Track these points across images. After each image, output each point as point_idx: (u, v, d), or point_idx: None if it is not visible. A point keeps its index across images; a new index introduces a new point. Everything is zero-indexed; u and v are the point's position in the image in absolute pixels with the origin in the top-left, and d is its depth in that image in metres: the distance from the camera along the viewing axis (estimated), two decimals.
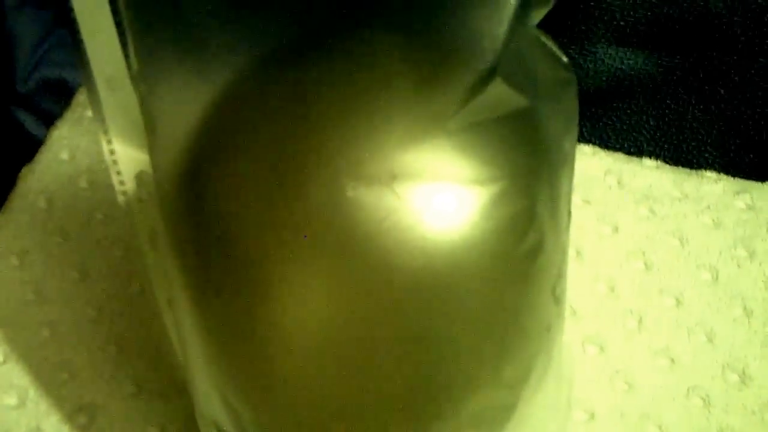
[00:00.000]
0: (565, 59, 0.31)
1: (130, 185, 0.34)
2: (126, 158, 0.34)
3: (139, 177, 0.34)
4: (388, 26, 0.28)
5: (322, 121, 0.28)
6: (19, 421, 0.40)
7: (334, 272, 0.28)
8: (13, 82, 0.56)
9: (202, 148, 0.29)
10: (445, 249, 0.28)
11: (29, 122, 0.57)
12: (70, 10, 0.31)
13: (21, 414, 0.40)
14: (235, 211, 0.28)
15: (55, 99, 0.54)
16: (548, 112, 0.30)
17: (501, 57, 0.28)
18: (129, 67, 0.31)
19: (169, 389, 0.41)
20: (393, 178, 0.27)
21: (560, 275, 0.32)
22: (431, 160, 0.27)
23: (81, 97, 0.52)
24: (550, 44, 0.31)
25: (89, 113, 0.50)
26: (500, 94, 0.28)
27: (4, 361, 0.42)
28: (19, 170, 0.48)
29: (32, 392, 0.41)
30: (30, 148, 0.49)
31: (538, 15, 0.30)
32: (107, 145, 0.33)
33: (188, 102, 0.29)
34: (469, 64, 0.28)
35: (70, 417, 0.40)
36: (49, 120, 0.51)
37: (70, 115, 0.51)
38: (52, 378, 0.41)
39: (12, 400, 0.41)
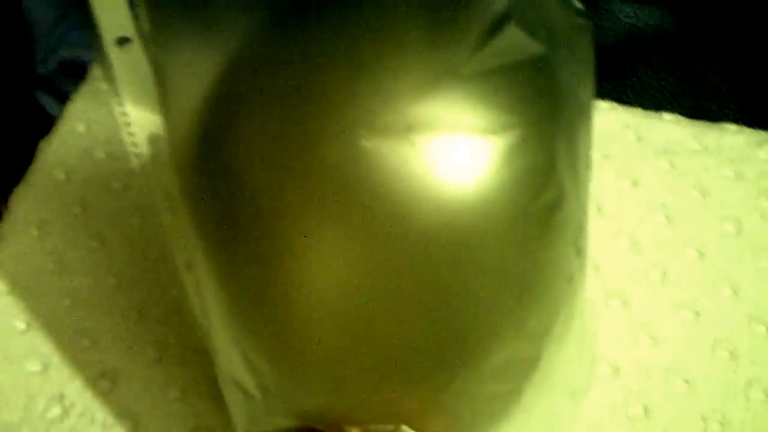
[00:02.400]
0: (579, 5, 0.31)
1: (143, 147, 0.34)
2: (138, 120, 0.34)
3: (153, 139, 0.34)
4: None
5: (333, 75, 0.28)
6: (43, 387, 0.40)
7: (351, 224, 0.28)
8: (33, 64, 0.56)
9: (216, 108, 0.29)
10: (462, 200, 0.28)
11: (49, 103, 0.58)
12: None
13: (45, 380, 0.41)
14: (250, 168, 0.28)
15: (74, 79, 0.54)
16: (563, 59, 0.30)
17: (514, 1, 0.28)
18: (139, 28, 0.31)
19: (190, 354, 0.41)
20: (408, 128, 0.27)
21: (581, 227, 0.32)
22: (446, 108, 0.27)
23: (96, 70, 0.52)
24: None
25: (105, 86, 0.50)
26: (514, 39, 0.28)
27: (27, 329, 0.42)
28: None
29: (55, 359, 0.41)
30: (50, 127, 0.49)
31: None
32: (119, 107, 0.33)
33: (200, 63, 0.29)
34: (480, 11, 0.28)
35: (92, 382, 0.41)
36: (68, 99, 0.51)
37: (86, 89, 0.51)
38: (74, 345, 0.42)
39: (35, 366, 0.41)
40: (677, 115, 0.51)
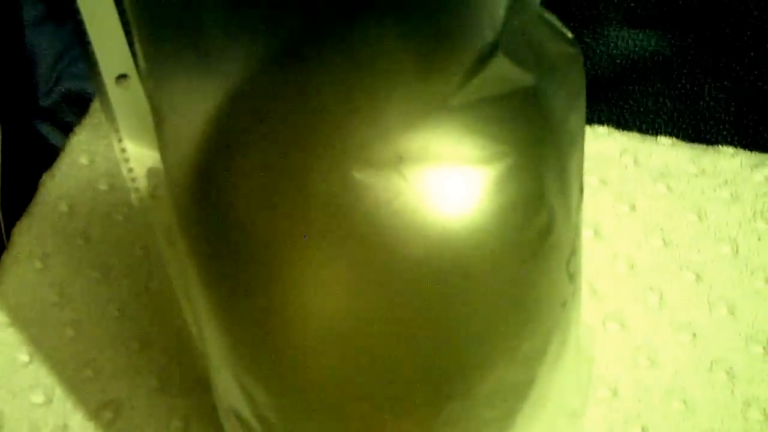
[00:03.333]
0: (569, 35, 0.31)
1: (142, 182, 0.34)
2: (137, 155, 0.34)
3: (151, 173, 0.34)
4: (386, 11, 0.28)
5: (325, 109, 0.28)
6: (46, 419, 0.41)
7: (344, 256, 0.28)
8: (36, 96, 0.57)
9: (212, 143, 0.29)
10: (454, 230, 0.28)
11: (52, 134, 0.58)
12: (77, 10, 0.31)
13: (48, 411, 0.41)
14: (245, 201, 0.29)
15: (77, 111, 0.54)
16: (553, 88, 0.30)
17: (502, 34, 0.28)
18: (137, 64, 0.31)
19: (192, 384, 0.41)
20: (399, 159, 0.27)
21: (574, 252, 0.32)
22: (436, 139, 0.28)
23: (98, 103, 0.52)
24: (554, 21, 0.31)
25: None
26: (503, 70, 0.28)
27: (31, 361, 0.42)
28: None
29: (58, 390, 0.42)
30: (53, 159, 0.50)
31: None
32: (118, 143, 0.34)
33: (196, 98, 0.30)
34: (468, 42, 0.28)
35: (95, 413, 0.41)
36: (71, 131, 0.52)
37: (88, 121, 0.51)
38: (77, 376, 0.42)
39: (39, 398, 0.41)
40: (674, 138, 0.52)
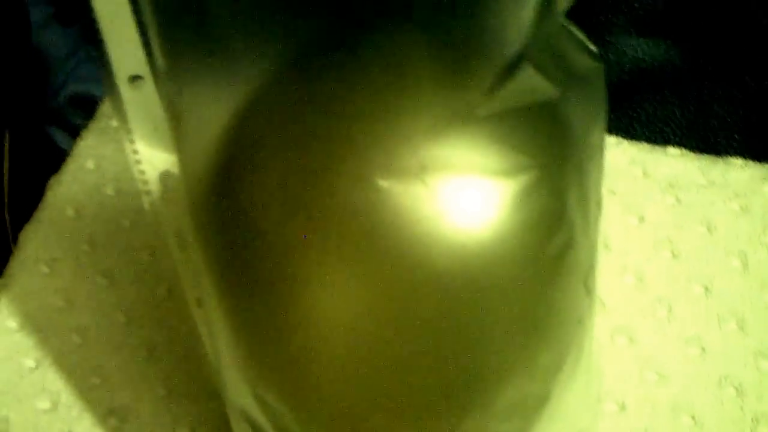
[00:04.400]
0: (593, 48, 0.31)
1: (153, 185, 0.34)
2: (149, 157, 0.34)
3: (164, 177, 0.34)
4: (412, 20, 0.28)
5: (349, 116, 0.28)
6: (51, 426, 0.40)
7: (365, 265, 0.28)
8: (44, 99, 0.57)
9: (232, 145, 0.29)
10: (474, 242, 0.28)
11: (60, 137, 0.58)
12: (91, 9, 0.31)
13: (54, 418, 0.41)
14: (265, 207, 0.28)
15: (84, 113, 0.54)
16: (576, 101, 0.30)
17: (529, 44, 0.28)
18: (153, 65, 0.31)
19: (199, 391, 0.41)
20: (423, 168, 0.27)
21: (591, 266, 0.32)
22: (461, 149, 0.27)
23: (106, 107, 0.52)
24: (578, 33, 0.31)
25: (114, 123, 0.50)
26: (530, 81, 0.28)
27: (37, 367, 0.42)
28: None
29: (64, 397, 0.41)
30: (60, 162, 0.50)
31: (565, 2, 0.29)
32: (130, 145, 0.33)
33: (216, 100, 0.29)
34: (496, 51, 0.28)
35: (101, 420, 0.41)
36: (78, 135, 0.51)
37: (95, 125, 0.51)
38: (83, 382, 0.42)
39: (45, 404, 0.41)
40: (683, 149, 0.51)
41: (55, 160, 0.49)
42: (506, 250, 0.28)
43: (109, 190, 0.48)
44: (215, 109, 0.29)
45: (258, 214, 0.28)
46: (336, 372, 0.29)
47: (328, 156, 0.28)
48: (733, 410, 0.42)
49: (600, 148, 0.31)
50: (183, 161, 0.30)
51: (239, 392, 0.31)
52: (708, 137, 0.54)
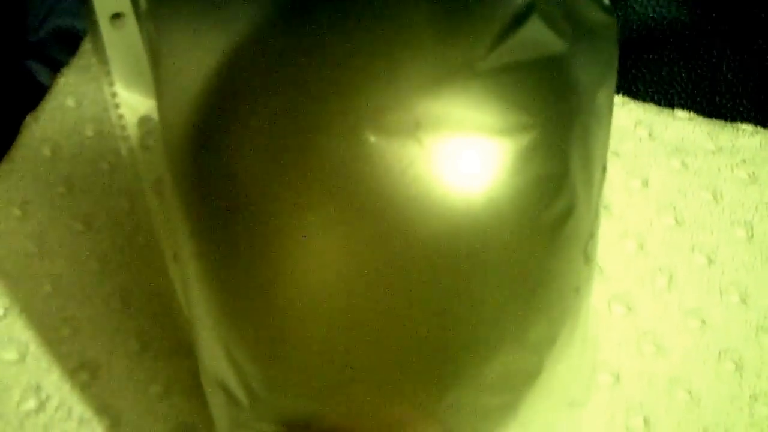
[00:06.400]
0: (606, 1, 0.29)
1: (132, 130, 0.32)
2: (128, 102, 0.32)
3: (143, 122, 0.32)
4: None
5: (340, 67, 0.26)
6: (18, 378, 0.39)
7: (350, 223, 0.26)
8: (25, 32, 0.55)
9: (216, 96, 0.28)
10: (469, 205, 0.26)
11: (40, 72, 0.56)
12: None
13: (20, 370, 0.39)
14: (249, 161, 0.27)
15: (66, 48, 0.52)
16: (584, 58, 0.28)
17: None
18: (135, 3, 0.30)
19: (174, 348, 0.40)
20: (417, 125, 0.26)
21: (592, 235, 0.30)
22: (458, 105, 0.26)
23: (89, 44, 0.50)
24: None
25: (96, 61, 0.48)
26: (537, 34, 0.27)
27: (5, 315, 0.40)
28: None
29: (33, 347, 0.39)
30: (40, 98, 0.48)
31: None
32: (109, 87, 0.32)
33: (200, 47, 0.28)
34: (502, 2, 0.26)
35: (71, 374, 0.39)
36: (59, 71, 0.50)
37: (76, 62, 0.49)
38: (53, 333, 0.40)
39: (12, 355, 0.39)
40: (691, 112, 0.50)
41: (34, 96, 0.47)
42: (502, 215, 0.27)
43: (89, 131, 0.46)
44: (199, 54, 0.28)
45: (239, 166, 0.27)
46: (314, 335, 0.27)
47: (315, 108, 0.26)
48: (731, 386, 0.41)
49: (608, 109, 0.30)
50: (163, 107, 0.29)
51: (213, 355, 0.30)
52: (715, 101, 0.52)
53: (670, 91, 0.52)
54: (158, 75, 0.28)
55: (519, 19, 0.26)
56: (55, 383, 0.39)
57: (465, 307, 0.27)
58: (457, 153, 0.26)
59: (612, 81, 0.30)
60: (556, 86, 0.27)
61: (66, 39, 0.54)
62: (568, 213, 0.28)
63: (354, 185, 0.26)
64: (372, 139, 0.25)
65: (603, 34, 0.29)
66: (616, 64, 0.30)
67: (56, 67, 0.50)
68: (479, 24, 0.26)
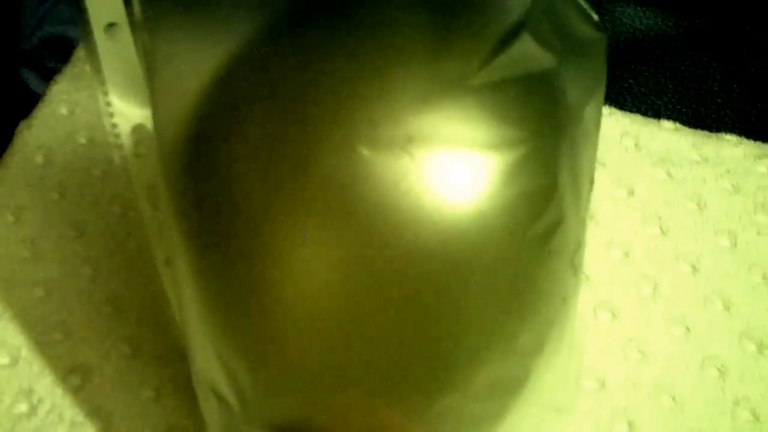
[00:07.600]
0: (595, 17, 0.30)
1: (126, 138, 0.33)
2: (122, 110, 0.33)
3: (137, 131, 0.33)
4: None
5: (334, 81, 0.27)
6: (10, 381, 0.39)
7: (342, 233, 0.27)
8: (17, 40, 0.55)
9: (210, 104, 0.28)
10: (459, 218, 0.27)
11: (32, 79, 0.56)
12: None
13: (12, 374, 0.39)
14: (241, 168, 0.27)
15: (59, 56, 0.53)
16: (574, 73, 0.29)
17: (529, 11, 0.27)
18: (130, 13, 0.30)
19: (165, 352, 0.40)
20: (409, 140, 0.26)
21: (579, 246, 0.31)
22: (450, 120, 0.26)
23: (82, 51, 0.50)
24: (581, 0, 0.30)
25: (90, 68, 0.49)
26: (527, 50, 0.27)
27: None
28: None
29: (25, 352, 0.40)
30: (32, 106, 0.48)
31: None
32: (103, 96, 0.32)
33: (195, 58, 0.28)
34: (495, 18, 0.27)
35: (63, 378, 0.39)
36: (52, 77, 0.50)
37: (69, 70, 0.49)
38: (45, 338, 0.40)
39: (4, 359, 0.40)
40: (677, 123, 0.50)
41: (27, 103, 0.48)
42: (491, 227, 0.27)
43: (82, 138, 0.46)
44: (194, 65, 0.28)
45: (233, 178, 0.27)
46: (305, 341, 0.28)
47: (309, 121, 0.26)
48: (714, 392, 0.41)
49: (596, 123, 0.30)
50: (157, 117, 0.29)
51: (205, 360, 0.30)
52: (700, 112, 0.53)
53: (657, 101, 0.53)
54: (153, 85, 0.29)
55: (510, 36, 0.27)
56: (47, 387, 0.39)
57: (455, 316, 0.28)
58: (448, 167, 0.26)
59: (600, 96, 0.30)
60: (546, 101, 0.28)
61: (59, 47, 0.55)
62: (556, 225, 0.28)
63: (346, 197, 0.26)
64: (365, 152, 0.26)
65: (592, 49, 0.30)
66: (604, 79, 0.30)
67: (49, 74, 0.50)
68: (471, 41, 0.27)
